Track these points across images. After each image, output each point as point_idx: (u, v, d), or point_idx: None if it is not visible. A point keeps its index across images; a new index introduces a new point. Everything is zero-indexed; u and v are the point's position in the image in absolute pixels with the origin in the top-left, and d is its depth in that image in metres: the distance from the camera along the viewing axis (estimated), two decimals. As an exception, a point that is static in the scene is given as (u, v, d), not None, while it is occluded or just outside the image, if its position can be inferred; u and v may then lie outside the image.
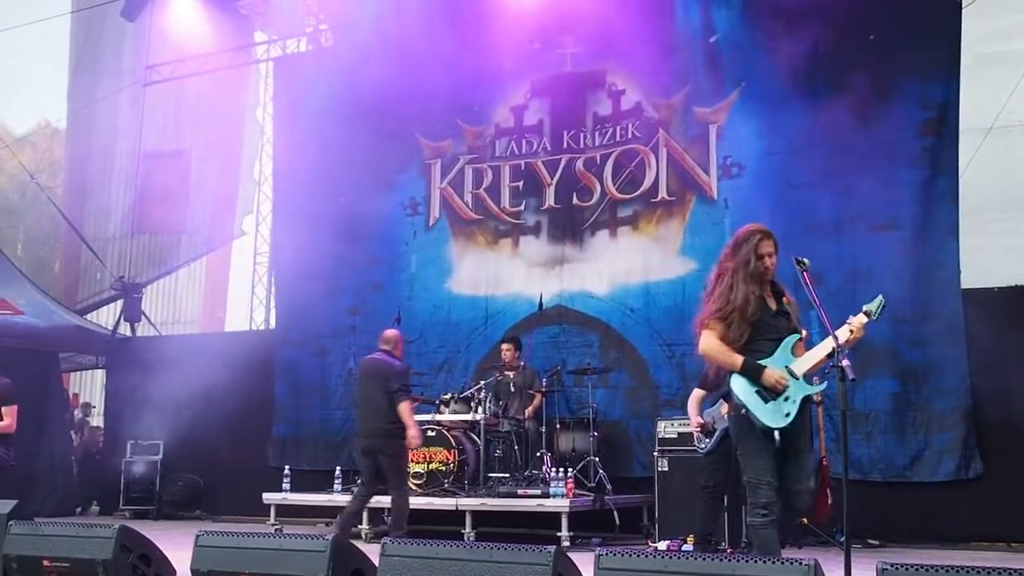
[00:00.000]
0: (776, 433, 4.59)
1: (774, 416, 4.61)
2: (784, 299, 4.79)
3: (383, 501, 9.00)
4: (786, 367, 4.62)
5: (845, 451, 4.24)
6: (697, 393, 7.26)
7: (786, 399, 4.60)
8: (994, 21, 9.75)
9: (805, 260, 4.63)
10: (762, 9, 9.49)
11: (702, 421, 7.04)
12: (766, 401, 4.63)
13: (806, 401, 4.61)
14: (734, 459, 6.87)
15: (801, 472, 4.58)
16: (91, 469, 12.89)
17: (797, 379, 4.60)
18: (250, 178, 14.80)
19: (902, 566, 3.14)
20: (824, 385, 4.55)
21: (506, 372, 9.46)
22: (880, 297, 4.76)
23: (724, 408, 6.83)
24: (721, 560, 3.52)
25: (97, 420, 14.76)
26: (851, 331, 4.57)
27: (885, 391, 8.52)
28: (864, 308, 4.68)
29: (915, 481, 8.33)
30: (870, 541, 8.04)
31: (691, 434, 7.40)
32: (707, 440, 7.00)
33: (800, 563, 3.33)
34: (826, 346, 4.57)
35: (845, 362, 4.18)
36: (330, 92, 11.54)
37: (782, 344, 4.67)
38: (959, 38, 8.64)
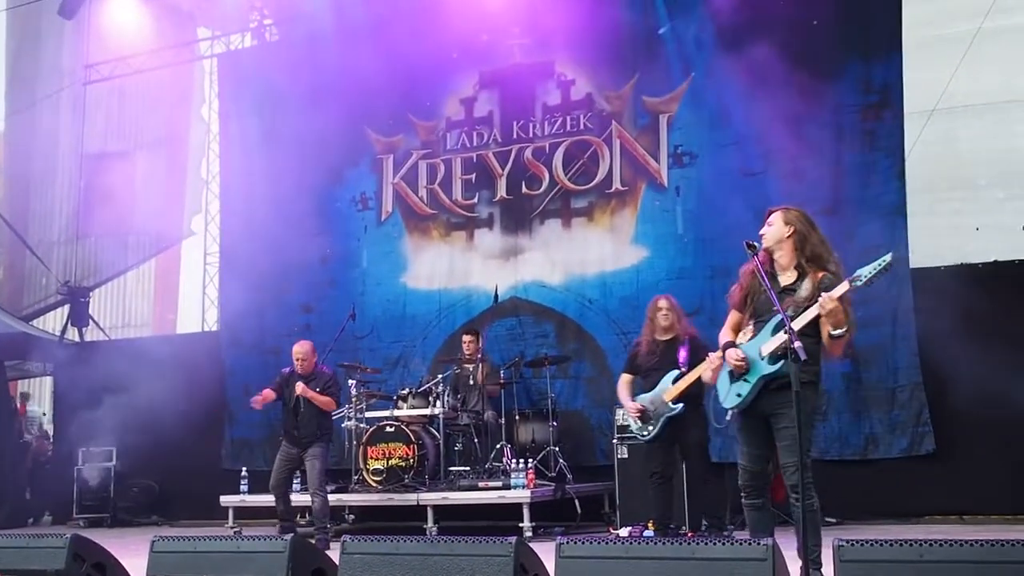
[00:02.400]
0: (728, 413, 4.72)
1: (728, 396, 4.74)
2: (812, 275, 4.63)
3: (343, 499, 9.03)
4: (760, 347, 4.62)
5: (800, 431, 4.27)
6: (625, 378, 7.23)
7: (745, 380, 4.66)
8: (933, 5, 9.90)
9: (756, 244, 4.65)
10: (709, -1, 9.57)
11: (640, 407, 6.95)
12: (731, 382, 4.74)
13: (775, 379, 4.57)
14: (680, 444, 6.95)
15: (782, 448, 4.61)
16: (41, 478, 12.63)
17: (763, 359, 4.60)
18: (197, 177, 14.54)
19: (858, 542, 3.18)
20: (779, 366, 4.51)
21: (464, 365, 9.44)
22: (886, 256, 4.44)
23: (666, 395, 6.84)
24: (681, 544, 3.53)
25: (46, 428, 14.47)
26: (819, 308, 4.40)
27: (837, 371, 8.61)
28: (855, 273, 4.45)
29: (870, 459, 8.47)
30: (827, 519, 8.14)
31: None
32: (649, 427, 6.95)
33: (757, 543, 3.36)
34: (799, 323, 4.48)
35: (797, 343, 4.20)
36: (276, 87, 11.48)
37: (768, 324, 4.65)
38: (900, 21, 8.79)
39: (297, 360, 8.22)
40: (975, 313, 8.05)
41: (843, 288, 4.44)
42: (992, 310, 8.15)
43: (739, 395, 4.67)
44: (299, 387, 8.06)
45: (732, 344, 4.80)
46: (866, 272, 4.42)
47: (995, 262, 8.61)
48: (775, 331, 4.58)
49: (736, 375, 4.71)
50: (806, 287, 4.64)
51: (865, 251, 8.55)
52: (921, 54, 9.13)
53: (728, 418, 4.76)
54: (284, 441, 8.26)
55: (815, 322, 4.51)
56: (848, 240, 8.61)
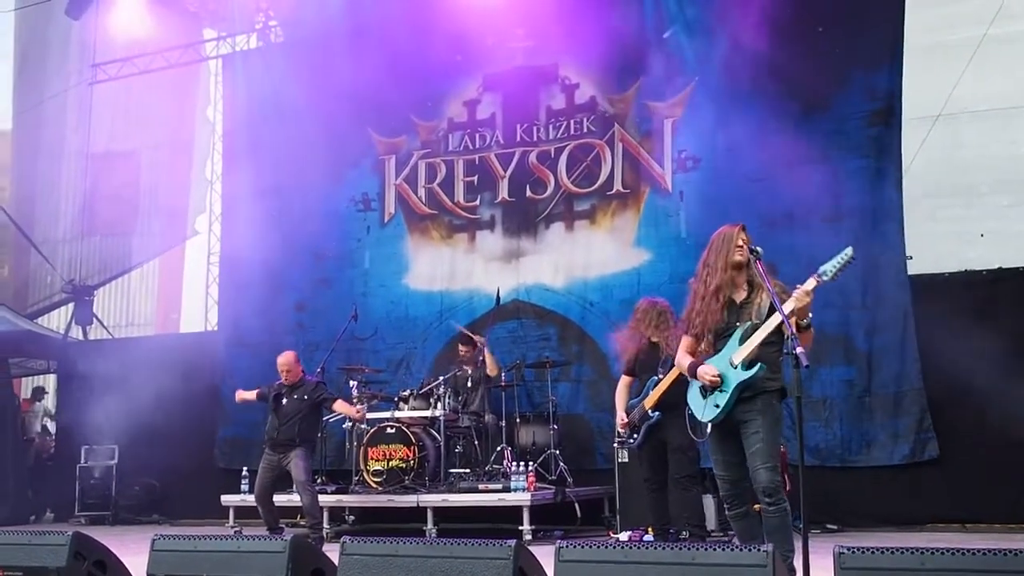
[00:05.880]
0: (708, 426, 4.76)
1: (705, 410, 4.77)
2: (767, 287, 4.68)
3: (343, 500, 9.04)
4: (730, 358, 4.66)
5: (801, 438, 4.28)
6: (624, 380, 7.18)
7: (721, 391, 4.68)
8: (938, 10, 9.90)
9: (758, 249, 4.67)
10: (714, 3, 9.55)
11: (625, 419, 6.96)
12: (704, 397, 4.78)
13: (747, 387, 4.61)
14: (664, 448, 6.91)
15: (750, 453, 4.64)
16: (44, 475, 12.66)
17: (735, 367, 4.64)
18: (202, 177, 14.58)
19: (859, 549, 3.17)
20: (756, 369, 4.55)
21: (464, 367, 9.44)
22: (847, 250, 4.54)
23: (646, 401, 6.83)
24: (681, 549, 3.53)
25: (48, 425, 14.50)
26: (795, 302, 4.48)
27: (838, 378, 8.64)
28: (820, 269, 4.54)
29: (871, 466, 8.45)
30: (829, 526, 8.14)
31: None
32: (635, 435, 6.96)
33: (758, 549, 3.36)
34: (767, 327, 4.56)
35: (799, 349, 4.21)
36: (280, 88, 11.52)
37: (732, 336, 4.71)
38: (902, 27, 8.80)
39: (281, 371, 8.30)
40: (978, 320, 8.05)
41: (811, 284, 4.49)
42: (995, 317, 8.15)
43: (717, 406, 4.68)
44: (356, 413, 8.60)
45: (699, 362, 4.81)
46: (830, 267, 4.49)
47: (999, 268, 8.60)
48: (743, 340, 4.65)
49: (709, 391, 4.74)
50: (764, 299, 4.70)
51: (869, 257, 8.63)
52: (925, 60, 9.13)
53: (708, 431, 4.80)
54: (266, 448, 8.27)
55: (778, 329, 4.56)
56: (852, 245, 8.61)
